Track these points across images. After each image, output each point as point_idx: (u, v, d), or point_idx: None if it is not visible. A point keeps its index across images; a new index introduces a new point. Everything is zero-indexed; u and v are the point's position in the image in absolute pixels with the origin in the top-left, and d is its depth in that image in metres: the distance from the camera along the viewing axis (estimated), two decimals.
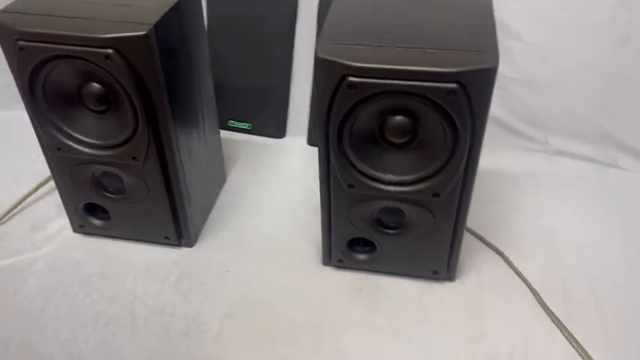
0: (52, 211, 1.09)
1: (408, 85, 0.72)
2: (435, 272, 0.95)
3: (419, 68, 0.71)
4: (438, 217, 0.87)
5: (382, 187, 0.84)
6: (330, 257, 0.98)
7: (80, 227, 1.04)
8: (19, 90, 0.84)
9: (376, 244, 0.94)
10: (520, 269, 0.98)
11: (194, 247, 1.04)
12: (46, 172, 0.98)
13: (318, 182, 0.88)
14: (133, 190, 0.94)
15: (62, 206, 1.02)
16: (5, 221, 1.08)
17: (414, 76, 0.71)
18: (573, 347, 0.85)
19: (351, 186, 0.85)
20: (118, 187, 0.95)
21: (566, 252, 1.02)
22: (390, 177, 0.83)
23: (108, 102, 0.84)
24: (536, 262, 1.00)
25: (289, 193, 1.17)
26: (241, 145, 1.30)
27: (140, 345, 0.87)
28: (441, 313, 0.92)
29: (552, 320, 0.90)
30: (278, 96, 1.32)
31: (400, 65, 0.71)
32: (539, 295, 0.93)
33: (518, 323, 0.90)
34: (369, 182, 0.84)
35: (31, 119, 0.88)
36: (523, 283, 0.96)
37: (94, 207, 1.00)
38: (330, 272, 0.99)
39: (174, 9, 0.84)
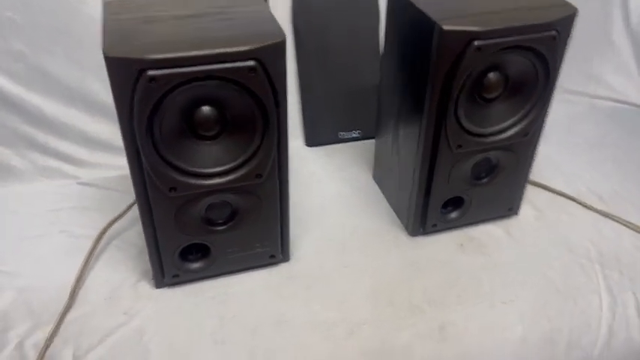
0: (115, 276, 0.97)
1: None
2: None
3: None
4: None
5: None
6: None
7: (174, 277, 0.94)
8: (137, 129, 0.75)
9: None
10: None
11: (292, 260, 1.01)
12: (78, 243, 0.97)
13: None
14: (246, 214, 0.90)
15: (124, 270, 0.97)
16: (74, 301, 0.92)
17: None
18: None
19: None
20: (227, 215, 0.90)
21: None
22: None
23: (222, 124, 0.80)
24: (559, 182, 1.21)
25: (321, 190, 1.19)
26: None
27: None
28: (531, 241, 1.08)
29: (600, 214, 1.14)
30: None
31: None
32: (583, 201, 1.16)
33: (586, 226, 1.10)
34: (192, 180, 0.82)
35: (132, 165, 0.80)
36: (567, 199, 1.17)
37: (187, 251, 0.93)
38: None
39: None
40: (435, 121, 0.91)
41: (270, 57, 0.75)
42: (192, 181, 0.82)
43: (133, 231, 1.06)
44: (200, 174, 0.82)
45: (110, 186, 1.18)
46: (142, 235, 1.02)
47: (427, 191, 1.00)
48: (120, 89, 0.72)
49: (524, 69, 0.89)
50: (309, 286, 0.95)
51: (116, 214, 1.08)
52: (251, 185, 0.86)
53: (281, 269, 0.99)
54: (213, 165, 0.83)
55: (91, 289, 0.93)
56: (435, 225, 1.05)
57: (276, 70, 0.77)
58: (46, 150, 1.23)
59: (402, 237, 1.07)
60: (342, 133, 1.35)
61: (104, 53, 0.70)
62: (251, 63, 0.74)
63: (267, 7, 0.85)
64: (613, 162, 1.29)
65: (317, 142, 1.35)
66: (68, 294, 0.91)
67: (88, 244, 1.01)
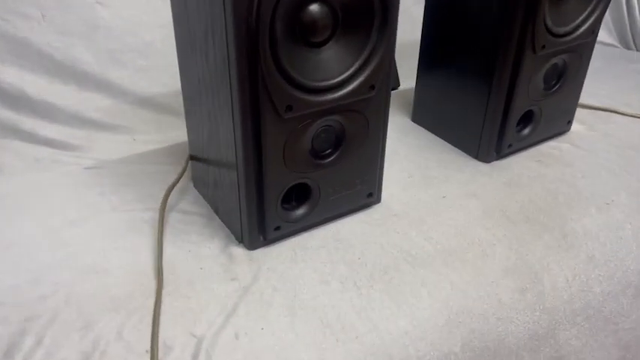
0: (193, 249, 0.78)
1: None
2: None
3: None
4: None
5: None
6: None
7: (275, 230, 0.77)
8: (244, 39, 0.61)
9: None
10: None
11: (383, 201, 0.89)
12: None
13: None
14: (353, 140, 0.78)
15: (200, 235, 0.81)
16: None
17: None
18: None
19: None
20: (333, 144, 0.78)
21: None
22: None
23: (333, 26, 0.67)
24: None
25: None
26: None
27: None
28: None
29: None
30: None
31: None
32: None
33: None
34: (308, 97, 0.69)
35: (241, 85, 0.64)
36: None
37: (286, 199, 0.77)
38: None
39: None
40: (520, 25, 0.86)
41: None
42: (308, 97, 0.69)
43: (186, 202, 0.88)
44: (315, 88, 0.70)
45: (126, 165, 0.98)
46: (200, 203, 0.87)
47: (506, 107, 0.95)
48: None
49: None
50: (419, 220, 0.85)
51: (156, 189, 0.89)
52: (360, 102, 0.75)
53: (379, 209, 0.87)
54: (324, 77, 0.70)
55: (178, 265, 0.75)
56: (510, 145, 1.00)
57: None
58: (33, 138, 1.00)
59: (479, 165, 1.00)
60: None
61: None
62: None
63: None
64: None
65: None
66: (153, 274, 0.71)
67: (143, 220, 0.82)
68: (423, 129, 1.12)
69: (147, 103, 1.09)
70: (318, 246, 0.79)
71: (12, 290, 0.70)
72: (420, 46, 1.07)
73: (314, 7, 0.66)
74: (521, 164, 1.00)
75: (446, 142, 1.07)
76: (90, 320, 0.65)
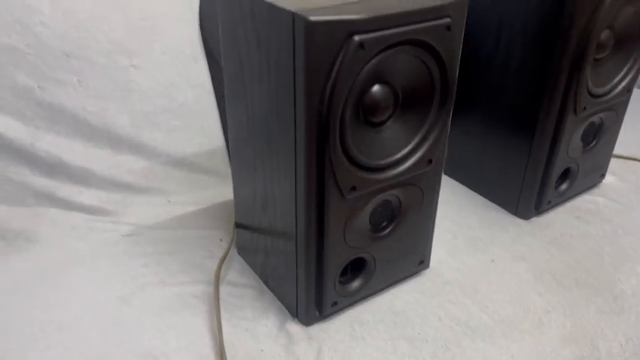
0: (248, 325, 0.76)
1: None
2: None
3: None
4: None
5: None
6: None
7: (333, 306, 0.76)
8: (314, 121, 0.61)
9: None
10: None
11: (432, 266, 0.88)
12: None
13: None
14: (408, 212, 0.78)
15: (253, 311, 0.79)
16: None
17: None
18: None
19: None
20: (389, 217, 0.77)
21: None
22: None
23: (394, 106, 0.68)
24: None
25: None
26: None
27: None
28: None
29: None
30: None
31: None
32: None
33: None
34: (371, 176, 0.69)
35: (308, 165, 0.64)
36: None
37: (345, 270, 0.76)
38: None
39: None
40: (564, 85, 0.87)
41: (457, 14, 0.66)
42: (370, 176, 0.69)
43: (233, 272, 0.87)
44: (376, 167, 0.69)
45: (165, 232, 0.97)
46: (250, 273, 0.86)
47: (547, 165, 0.95)
48: (316, 62, 0.58)
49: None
50: (472, 288, 0.84)
51: (199, 258, 0.88)
52: (417, 176, 0.75)
53: (429, 277, 0.86)
54: (385, 155, 0.70)
55: (238, 346, 0.73)
56: (549, 202, 1.00)
57: (459, 30, 0.68)
58: (69, 205, 0.98)
59: (519, 222, 1.00)
60: None
61: (304, 17, 0.56)
62: (447, 20, 0.65)
63: None
64: None
65: None
66: (215, 357, 0.70)
67: (194, 295, 0.80)
68: (455, 181, 1.12)
69: (180, 163, 1.08)
70: (375, 320, 0.78)
71: None
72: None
73: (377, 90, 0.66)
74: (562, 221, 1.00)
75: (482, 197, 1.07)
76: None
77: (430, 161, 0.74)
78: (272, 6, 0.60)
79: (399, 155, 0.71)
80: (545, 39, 0.86)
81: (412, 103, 0.69)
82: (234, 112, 0.77)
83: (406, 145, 0.71)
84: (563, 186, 1.02)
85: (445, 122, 0.73)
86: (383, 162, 0.70)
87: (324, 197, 0.67)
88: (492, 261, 0.90)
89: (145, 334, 0.75)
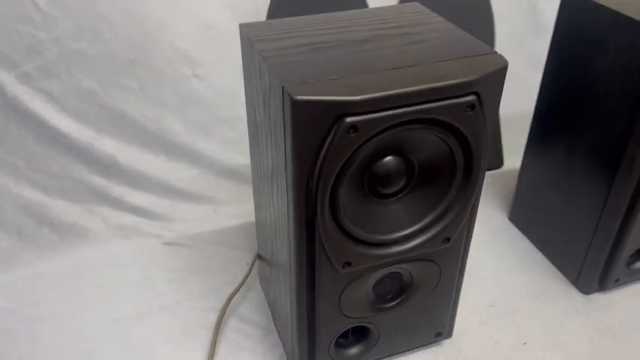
0: None
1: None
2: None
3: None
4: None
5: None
6: None
7: None
8: (319, 194, 0.56)
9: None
10: None
11: (455, 334, 0.80)
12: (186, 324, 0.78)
13: None
14: (421, 286, 0.71)
15: (254, 354, 0.78)
16: None
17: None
18: None
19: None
20: (397, 289, 0.71)
21: None
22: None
23: (408, 178, 0.61)
24: None
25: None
26: None
27: None
28: None
29: None
30: None
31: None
32: None
33: None
34: (370, 251, 0.63)
35: (298, 239, 0.60)
36: None
37: (345, 335, 0.73)
38: None
39: None
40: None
41: (489, 89, 0.57)
42: (370, 251, 0.63)
43: (248, 305, 0.86)
44: (378, 242, 0.64)
45: (203, 245, 0.99)
46: (261, 309, 0.84)
47: (617, 241, 0.82)
48: (305, 141, 0.53)
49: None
50: None
51: (222, 283, 0.88)
52: (433, 252, 0.68)
53: (447, 349, 0.79)
54: (392, 230, 0.64)
55: None
56: (617, 280, 0.87)
57: (491, 105, 0.59)
58: (120, 204, 1.04)
59: (575, 295, 0.88)
60: None
61: (289, 94, 0.51)
62: (471, 98, 0.56)
63: (449, 23, 0.67)
64: None
65: None
66: None
67: (199, 327, 0.81)
68: (518, 232, 1.01)
69: (231, 174, 1.09)
70: None
71: None
72: (531, 126, 0.94)
73: (387, 161, 0.59)
74: (627, 306, 0.86)
75: (544, 256, 0.96)
76: None
77: (447, 239, 0.66)
78: (271, 69, 0.56)
79: (408, 231, 0.64)
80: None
81: (430, 177, 0.62)
82: (254, 152, 0.75)
83: (418, 221, 0.64)
84: (637, 265, 0.87)
85: (467, 200, 0.64)
86: (388, 237, 0.64)
87: (314, 270, 0.63)
88: (525, 344, 0.80)
89: (124, 349, 0.77)
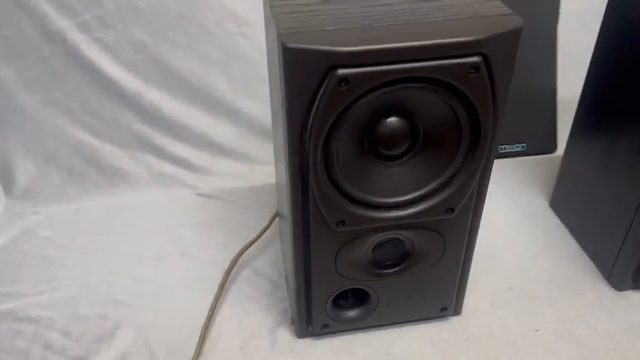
0: (249, 319, 0.79)
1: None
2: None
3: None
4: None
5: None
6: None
7: (323, 327, 0.74)
8: (312, 146, 0.56)
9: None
10: None
11: (464, 313, 0.79)
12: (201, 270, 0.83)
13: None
14: (424, 256, 0.70)
15: (258, 310, 0.80)
16: (201, 349, 0.73)
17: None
18: None
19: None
20: (399, 256, 0.70)
21: None
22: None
23: (412, 140, 0.59)
24: None
25: (486, 220, 0.84)
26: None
27: None
28: None
29: None
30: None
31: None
32: None
33: None
34: (366, 212, 0.63)
35: (293, 192, 0.61)
36: None
37: (341, 295, 0.73)
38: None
39: None
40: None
41: (499, 51, 0.54)
42: (366, 212, 0.63)
43: (264, 259, 0.88)
44: (378, 204, 0.63)
45: (235, 200, 1.02)
46: (276, 265, 0.86)
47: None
48: (297, 92, 0.53)
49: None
50: (495, 355, 0.73)
51: (245, 236, 0.90)
52: (436, 221, 0.66)
53: (452, 326, 0.77)
54: (393, 193, 0.63)
55: (223, 335, 0.76)
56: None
57: (502, 70, 0.56)
58: (162, 154, 1.09)
59: (605, 289, 0.82)
60: (503, 147, 1.12)
61: (282, 42, 0.51)
62: (475, 59, 0.53)
63: None
64: None
65: None
66: (197, 340, 0.74)
67: (214, 273, 0.84)
68: (557, 219, 0.96)
69: (270, 135, 1.10)
70: (364, 355, 0.73)
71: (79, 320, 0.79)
72: (577, 111, 0.88)
73: (391, 122, 0.58)
74: None
75: (578, 245, 0.90)
76: None
77: (451, 210, 0.64)
78: (276, 20, 0.56)
79: (409, 197, 0.63)
80: None
81: (436, 142, 0.60)
82: (272, 109, 0.76)
83: (421, 188, 0.63)
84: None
85: (475, 170, 0.62)
86: (387, 201, 0.63)
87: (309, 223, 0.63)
88: (536, 331, 0.76)
89: (161, 300, 0.81)
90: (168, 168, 1.08)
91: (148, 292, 0.83)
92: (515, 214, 0.98)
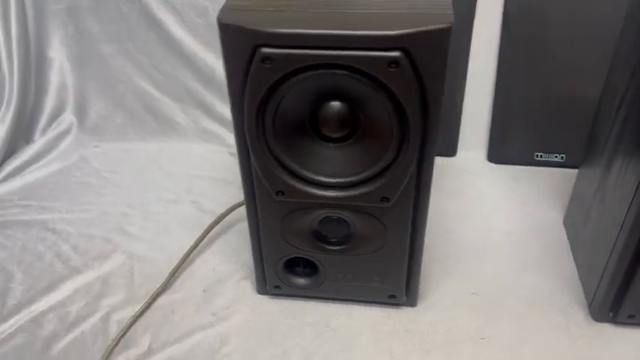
0: (223, 268, 0.87)
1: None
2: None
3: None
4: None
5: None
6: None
7: (275, 288, 0.80)
8: (246, 116, 0.62)
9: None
10: None
11: (419, 306, 0.80)
12: (203, 218, 0.91)
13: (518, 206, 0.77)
14: (366, 240, 0.72)
15: (234, 262, 0.88)
16: (171, 283, 0.84)
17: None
18: None
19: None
20: (342, 235, 0.73)
21: None
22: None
23: (354, 125, 0.63)
24: None
25: (491, 223, 0.94)
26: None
27: None
28: None
29: None
30: (448, 105, 1.01)
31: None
32: None
33: None
34: (303, 186, 0.67)
35: (241, 160, 0.68)
36: None
37: (294, 262, 0.78)
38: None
39: None
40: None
41: (424, 48, 0.55)
42: (304, 187, 0.67)
43: None
44: (314, 181, 0.66)
45: None
46: None
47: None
48: (233, 65, 0.59)
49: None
50: (427, 351, 0.74)
51: None
52: (377, 208, 0.68)
53: (401, 314, 0.79)
54: (331, 174, 0.66)
55: (194, 275, 0.85)
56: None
57: (429, 68, 0.56)
58: (209, 112, 1.19)
59: (579, 316, 0.78)
60: (539, 154, 1.07)
61: (218, 18, 0.57)
62: (395, 54, 0.54)
63: None
64: None
65: (504, 159, 1.09)
66: (167, 276, 0.84)
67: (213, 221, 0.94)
68: (564, 236, 0.91)
69: None
70: (309, 323, 0.78)
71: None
72: (593, 122, 0.83)
73: (331, 105, 0.61)
74: (628, 349, 0.73)
75: (575, 267, 0.85)
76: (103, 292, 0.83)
77: (386, 199, 0.66)
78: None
79: (346, 180, 0.66)
80: None
81: (373, 131, 0.62)
82: None
83: (357, 174, 0.65)
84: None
85: (407, 165, 0.63)
86: (324, 180, 0.66)
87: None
88: (482, 338, 0.75)
89: (157, 236, 0.93)
90: (211, 125, 1.19)
91: (151, 228, 0.94)
92: (524, 224, 0.94)
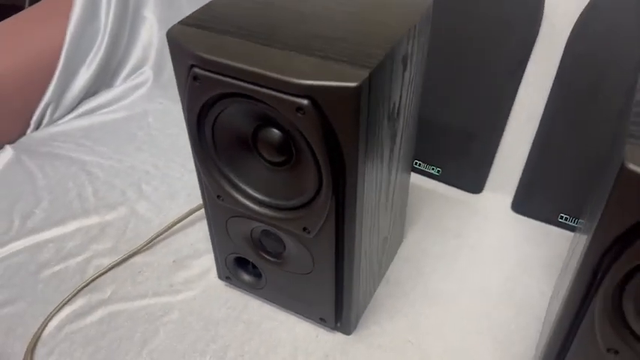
0: (200, 245, 0.94)
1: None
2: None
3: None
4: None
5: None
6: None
7: (227, 278, 0.87)
8: (186, 124, 0.67)
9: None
10: None
11: (352, 336, 0.81)
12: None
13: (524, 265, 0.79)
14: (295, 260, 0.75)
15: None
16: (151, 246, 0.94)
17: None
18: None
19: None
20: (278, 250, 0.77)
21: None
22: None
23: (288, 153, 0.65)
24: None
25: (482, 277, 0.90)
26: (426, 195, 1.05)
27: None
28: None
29: None
30: (484, 141, 1.03)
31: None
32: None
33: None
34: (239, 197, 0.71)
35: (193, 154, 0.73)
36: None
37: (245, 260, 0.82)
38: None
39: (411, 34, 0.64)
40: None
41: (331, 101, 0.55)
42: (240, 198, 0.71)
43: None
44: (249, 195, 0.70)
45: None
46: None
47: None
48: (178, 75, 0.64)
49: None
50: None
51: None
52: (302, 236, 0.69)
53: (330, 338, 0.80)
54: (265, 192, 0.69)
55: (171, 245, 0.94)
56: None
57: (339, 121, 0.56)
58: None
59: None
60: (564, 216, 0.97)
61: (167, 32, 0.62)
62: (301, 101, 0.55)
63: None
64: None
65: (527, 212, 1.01)
66: (148, 238, 0.93)
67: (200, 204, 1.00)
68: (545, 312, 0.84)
69: None
70: (246, 318, 0.83)
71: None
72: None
73: (266, 131, 0.64)
74: None
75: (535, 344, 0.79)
76: (94, 237, 0.96)
77: (307, 230, 0.67)
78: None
79: (276, 202, 0.68)
80: None
81: (301, 164, 0.64)
82: None
83: (286, 199, 0.67)
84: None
85: (321, 208, 0.63)
86: (259, 196, 0.69)
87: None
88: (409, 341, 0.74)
89: (160, 196, 1.03)
90: None
91: (162, 191, 1.04)
92: (510, 294, 0.87)
